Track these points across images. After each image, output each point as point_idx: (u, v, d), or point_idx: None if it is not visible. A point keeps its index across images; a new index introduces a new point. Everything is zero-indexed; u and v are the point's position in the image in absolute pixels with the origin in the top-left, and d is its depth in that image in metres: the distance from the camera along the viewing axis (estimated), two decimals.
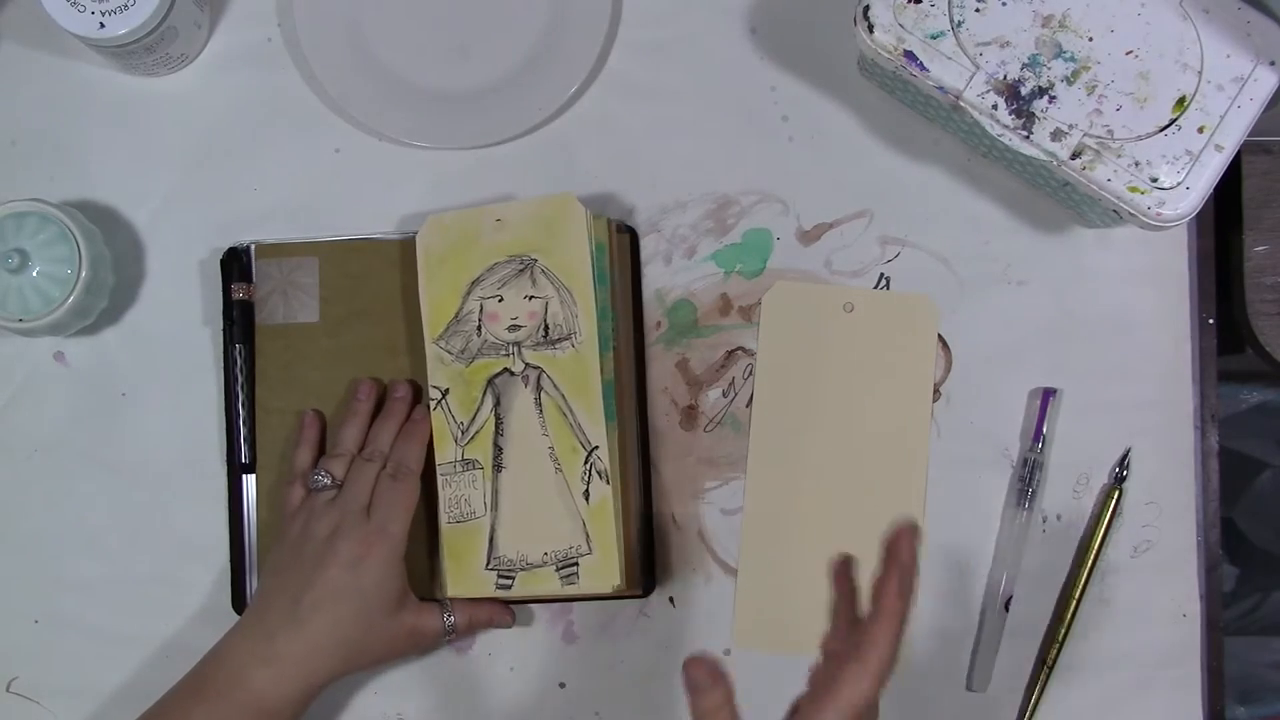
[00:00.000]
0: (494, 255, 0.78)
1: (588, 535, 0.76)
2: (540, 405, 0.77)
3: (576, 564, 0.76)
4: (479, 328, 0.78)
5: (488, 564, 0.77)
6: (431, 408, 0.78)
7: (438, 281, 0.79)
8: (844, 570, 0.65)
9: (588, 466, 0.76)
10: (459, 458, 0.78)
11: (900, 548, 0.60)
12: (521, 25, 0.84)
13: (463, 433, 0.78)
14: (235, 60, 0.84)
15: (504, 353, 0.78)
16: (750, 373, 0.83)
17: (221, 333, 0.81)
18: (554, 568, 0.76)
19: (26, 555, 0.81)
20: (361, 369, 0.81)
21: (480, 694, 0.81)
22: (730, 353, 0.83)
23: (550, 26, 0.83)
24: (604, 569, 0.76)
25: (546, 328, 0.77)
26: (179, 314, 0.83)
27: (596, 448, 0.76)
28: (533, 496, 0.77)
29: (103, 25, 0.75)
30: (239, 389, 0.80)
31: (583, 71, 0.82)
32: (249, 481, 0.80)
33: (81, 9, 0.75)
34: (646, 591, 0.81)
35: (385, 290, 0.81)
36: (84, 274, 0.77)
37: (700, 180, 0.83)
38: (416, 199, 0.83)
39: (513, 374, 0.77)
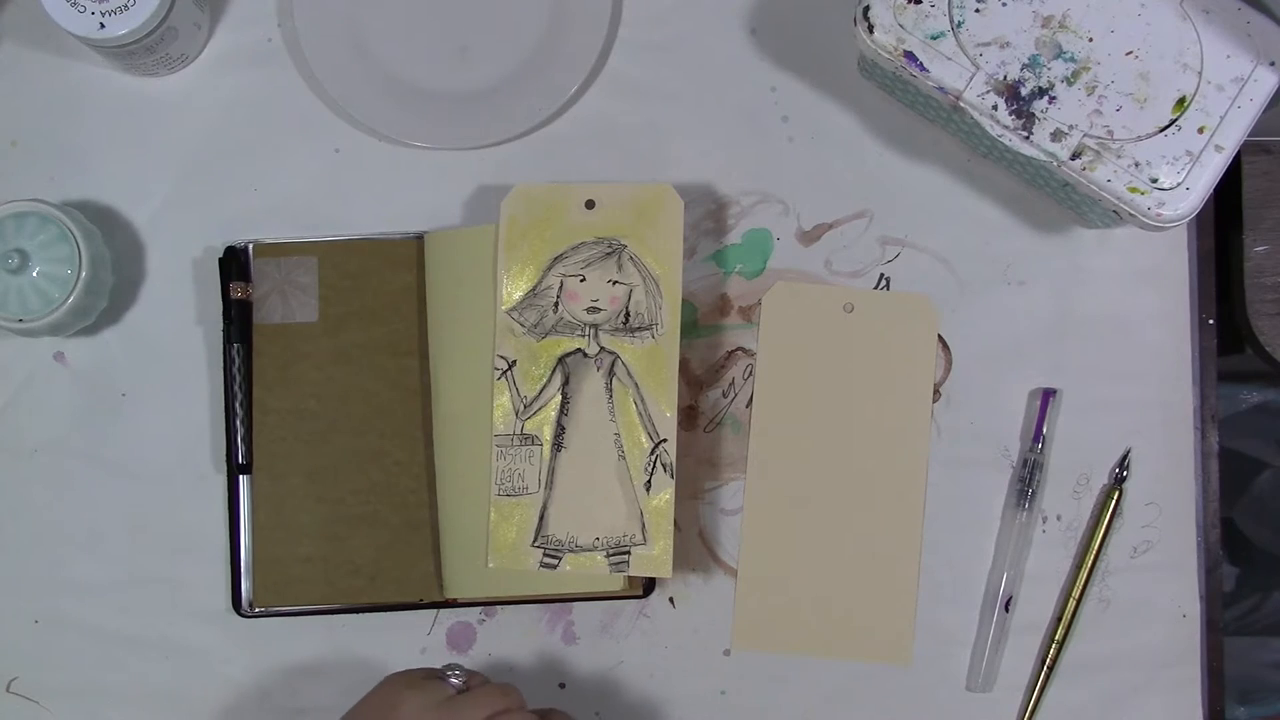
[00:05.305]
0: (581, 234, 0.78)
1: (644, 526, 0.76)
2: (611, 391, 0.77)
3: (628, 553, 0.76)
4: (556, 304, 0.78)
5: (534, 541, 0.77)
6: (496, 377, 0.78)
7: (518, 251, 0.78)
8: None
9: (653, 458, 0.77)
10: (518, 431, 0.77)
11: None
12: (521, 25, 0.84)
13: (525, 407, 0.78)
14: (235, 60, 0.84)
15: (579, 333, 0.77)
16: (750, 373, 0.83)
17: (220, 332, 0.81)
18: (604, 553, 0.76)
19: (26, 555, 0.81)
20: (360, 369, 0.80)
21: None
22: (730, 353, 0.83)
23: (550, 26, 0.83)
24: (657, 561, 0.76)
25: (628, 314, 0.77)
26: (179, 314, 0.82)
27: (664, 440, 0.77)
28: (591, 480, 0.77)
29: (103, 25, 0.75)
30: (237, 389, 0.80)
31: (583, 71, 0.82)
32: (247, 481, 0.80)
33: (81, 9, 0.75)
34: (646, 591, 0.81)
35: (385, 290, 0.81)
36: (84, 274, 0.77)
37: (700, 180, 0.84)
38: (416, 199, 0.83)
39: (586, 355, 0.77)
